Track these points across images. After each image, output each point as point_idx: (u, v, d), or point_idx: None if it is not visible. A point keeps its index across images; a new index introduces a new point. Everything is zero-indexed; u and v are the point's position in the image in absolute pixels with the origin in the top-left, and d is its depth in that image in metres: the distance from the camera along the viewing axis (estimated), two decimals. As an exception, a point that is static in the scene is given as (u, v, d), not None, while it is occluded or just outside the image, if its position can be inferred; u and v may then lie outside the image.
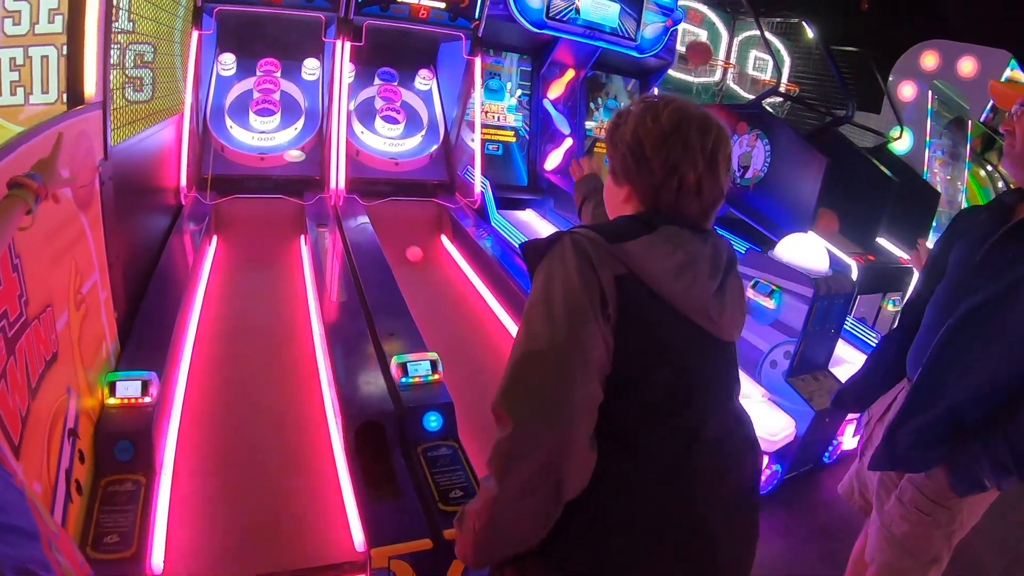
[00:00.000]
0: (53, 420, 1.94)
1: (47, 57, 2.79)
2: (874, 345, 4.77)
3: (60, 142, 1.77)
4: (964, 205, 8.98)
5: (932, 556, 2.23)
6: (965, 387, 2.04)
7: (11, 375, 1.65)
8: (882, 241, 5.59)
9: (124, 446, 2.30)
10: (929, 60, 8.01)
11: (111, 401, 2.43)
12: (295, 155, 5.21)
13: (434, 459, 2.55)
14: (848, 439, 4.26)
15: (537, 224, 6.23)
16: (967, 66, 7.86)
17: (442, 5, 5.29)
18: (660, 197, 1.46)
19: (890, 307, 5.73)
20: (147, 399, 2.45)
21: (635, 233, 1.39)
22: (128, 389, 2.45)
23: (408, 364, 2.83)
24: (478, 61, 5.64)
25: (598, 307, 1.33)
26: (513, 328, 4.06)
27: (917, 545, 2.23)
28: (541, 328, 1.34)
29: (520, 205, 6.47)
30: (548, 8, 5.99)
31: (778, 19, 9.27)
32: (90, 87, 2.58)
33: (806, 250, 3.95)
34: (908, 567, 2.26)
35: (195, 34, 4.71)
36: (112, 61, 2.82)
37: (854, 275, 4.76)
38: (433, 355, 2.91)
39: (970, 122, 8.59)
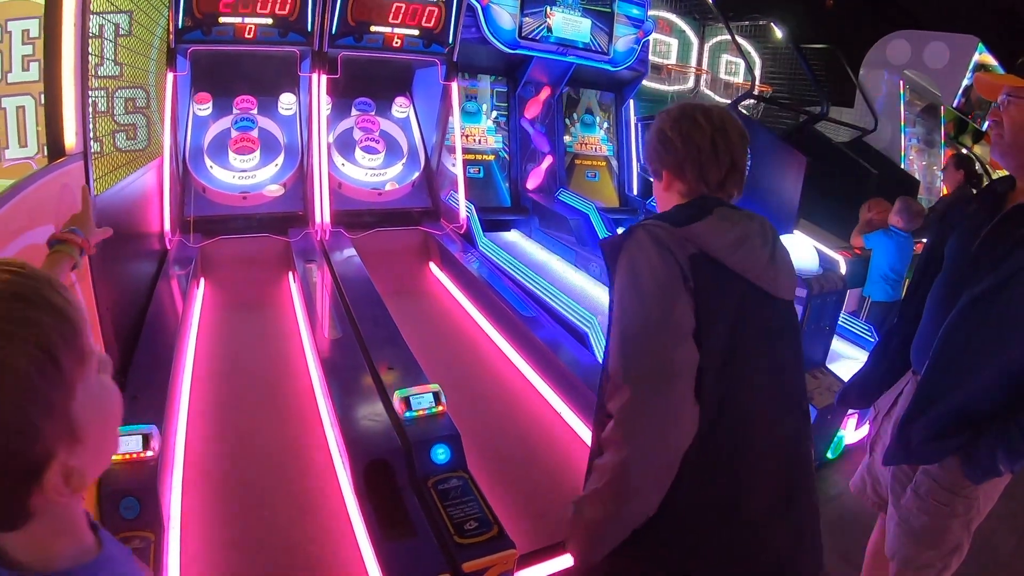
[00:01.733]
0: (56, 483, 1.88)
1: (23, 107, 2.75)
2: (865, 337, 4.80)
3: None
4: (942, 190, 9.08)
5: (953, 545, 2.24)
6: (973, 378, 2.05)
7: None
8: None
9: (129, 503, 2.23)
10: (898, 50, 8.08)
11: (112, 457, 2.36)
12: (274, 189, 5.17)
13: (445, 492, 2.50)
14: (850, 433, 4.26)
15: (524, 244, 6.20)
16: (936, 53, 7.93)
17: (415, 32, 5.28)
18: (687, 168, 1.76)
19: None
20: (149, 453, 2.37)
21: (695, 218, 1.63)
22: (129, 444, 2.37)
23: (411, 398, 2.79)
24: (455, 86, 5.63)
25: (680, 280, 1.55)
26: (510, 352, 4.04)
27: (937, 536, 2.24)
28: (635, 307, 1.57)
29: (505, 226, 6.46)
30: (520, 28, 6.00)
31: (747, 22, 9.34)
32: (70, 138, 2.53)
33: (795, 250, 3.95)
34: (930, 559, 2.27)
35: (170, 76, 4.67)
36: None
37: (842, 270, 4.76)
38: (435, 387, 2.87)
39: (942, 108, 8.66)
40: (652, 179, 1.91)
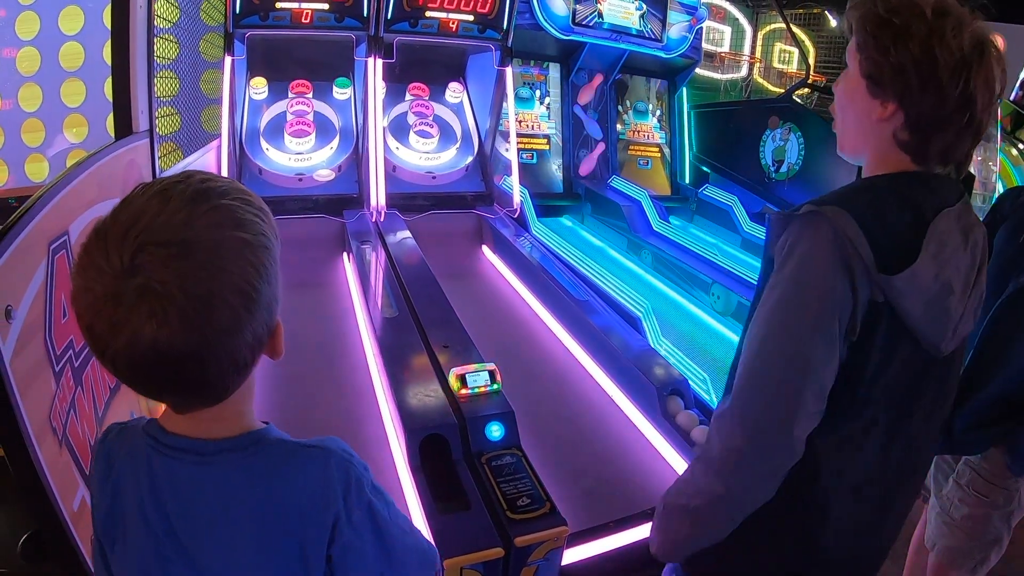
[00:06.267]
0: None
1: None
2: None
3: None
4: (999, 186, 8.82)
5: (992, 537, 2.24)
6: (1016, 367, 2.03)
7: (79, 405, 1.65)
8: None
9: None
10: (957, 41, 7.88)
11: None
12: (325, 174, 5.23)
13: (499, 468, 2.52)
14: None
15: (576, 230, 6.21)
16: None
17: (470, 18, 5.29)
18: (936, 133, 1.27)
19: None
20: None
21: (905, 239, 1.23)
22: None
23: (467, 376, 2.81)
24: (509, 71, 5.62)
25: (845, 329, 1.23)
26: (562, 335, 4.05)
27: (976, 527, 2.23)
28: (785, 334, 1.25)
29: (557, 212, 6.48)
30: (574, 14, 6.00)
31: (800, 10, 9.19)
32: (137, 117, 2.60)
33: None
34: (969, 550, 2.27)
35: (227, 60, 4.75)
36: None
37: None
38: (491, 366, 2.89)
39: (999, 101, 8.41)
40: (857, 75, 1.33)
